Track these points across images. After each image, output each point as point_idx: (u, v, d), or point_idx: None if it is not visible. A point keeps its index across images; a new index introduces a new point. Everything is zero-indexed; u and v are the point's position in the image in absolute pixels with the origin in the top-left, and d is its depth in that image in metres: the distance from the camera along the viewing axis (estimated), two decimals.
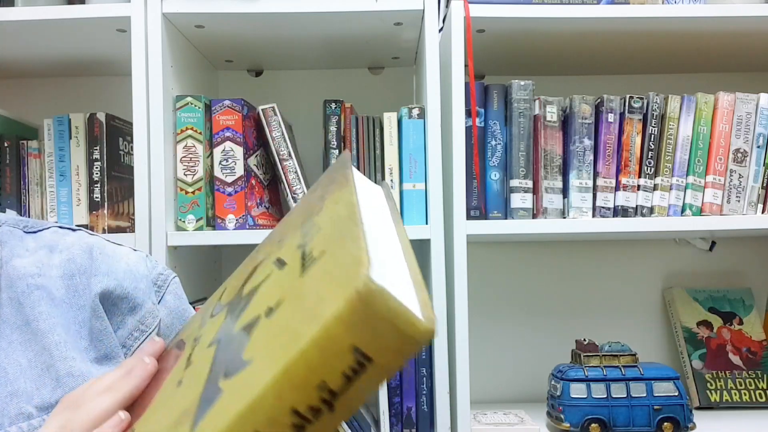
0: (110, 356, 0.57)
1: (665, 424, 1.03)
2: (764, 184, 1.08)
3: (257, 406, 0.25)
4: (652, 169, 1.07)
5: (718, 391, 1.22)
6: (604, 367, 1.06)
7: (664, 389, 1.04)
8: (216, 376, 0.30)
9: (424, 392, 1.04)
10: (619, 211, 1.06)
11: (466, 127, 1.03)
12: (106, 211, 1.06)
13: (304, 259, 0.30)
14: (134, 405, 0.44)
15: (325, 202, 0.34)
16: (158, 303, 0.63)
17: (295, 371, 0.24)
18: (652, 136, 1.07)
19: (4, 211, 1.05)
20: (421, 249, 1.12)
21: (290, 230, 0.38)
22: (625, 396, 1.04)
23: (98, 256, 0.60)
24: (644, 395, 1.04)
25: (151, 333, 0.62)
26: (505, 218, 1.05)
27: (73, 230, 0.62)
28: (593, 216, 1.06)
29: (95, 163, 1.07)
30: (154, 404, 0.38)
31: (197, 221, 1.03)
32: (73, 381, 0.54)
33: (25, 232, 0.61)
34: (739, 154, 1.08)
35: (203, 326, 0.41)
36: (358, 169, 1.08)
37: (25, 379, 0.53)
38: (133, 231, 1.00)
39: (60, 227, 0.62)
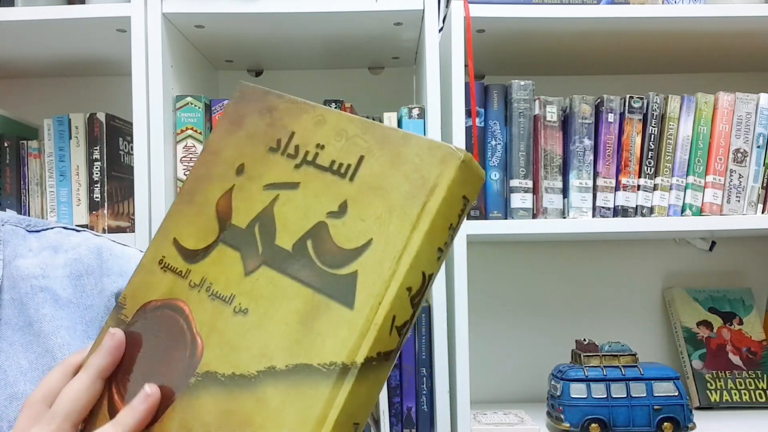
0: None
1: (665, 424, 1.03)
2: (764, 184, 1.08)
3: (420, 255, 0.34)
4: (652, 169, 1.07)
5: (718, 391, 1.22)
6: (604, 367, 1.06)
7: (664, 389, 1.04)
8: (319, 275, 0.36)
9: (424, 392, 1.04)
10: (619, 211, 1.06)
11: (466, 127, 1.03)
12: (106, 211, 1.06)
13: (339, 170, 0.38)
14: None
15: (294, 124, 0.40)
16: None
17: (438, 222, 0.35)
18: (652, 136, 1.07)
19: (5, 211, 1.05)
20: None
21: (252, 162, 0.40)
22: (625, 396, 1.04)
23: (108, 257, 0.60)
24: (644, 395, 1.04)
25: None
26: (505, 218, 1.05)
27: (78, 231, 0.62)
28: (593, 216, 1.06)
29: (95, 163, 1.07)
30: (216, 343, 0.37)
31: None
32: None
33: (27, 231, 0.61)
34: (739, 154, 1.08)
35: (196, 273, 0.40)
36: None
37: (25, 382, 0.52)
38: (133, 231, 1.00)
39: (64, 227, 0.62)
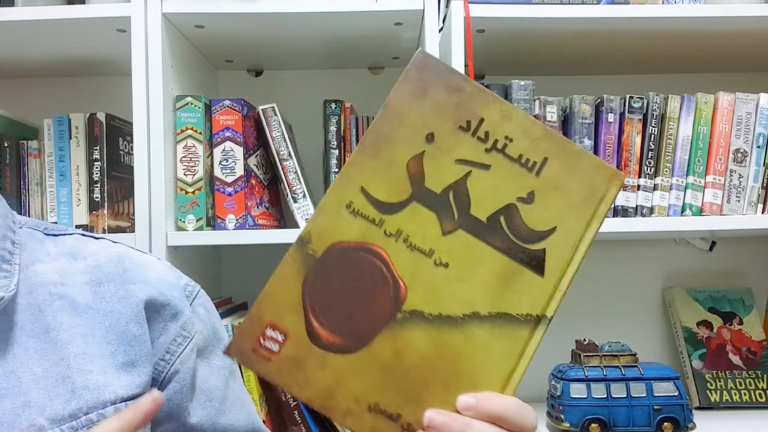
0: (136, 363, 0.57)
1: (665, 424, 1.03)
2: (764, 184, 1.08)
3: (589, 246, 0.46)
4: (652, 169, 1.07)
5: (718, 391, 1.22)
6: (604, 367, 1.06)
7: (664, 389, 1.04)
8: (513, 246, 0.46)
9: None
10: (619, 211, 1.06)
11: None
12: (106, 211, 1.06)
13: (526, 164, 0.46)
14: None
15: (495, 113, 0.47)
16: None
17: (603, 218, 0.46)
18: (652, 136, 1.07)
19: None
20: None
21: (441, 134, 0.47)
22: (625, 396, 1.04)
23: (131, 265, 0.60)
24: (644, 395, 1.04)
25: (192, 339, 0.62)
26: None
27: (96, 238, 0.62)
28: None
29: (95, 163, 1.07)
30: (419, 288, 0.45)
31: (197, 221, 1.03)
32: (88, 394, 0.53)
33: (45, 234, 0.60)
34: (739, 154, 1.08)
35: (390, 223, 0.46)
36: None
37: (38, 390, 0.52)
38: (133, 231, 1.00)
39: (82, 234, 0.62)
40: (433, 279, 0.45)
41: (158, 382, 0.60)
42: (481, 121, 0.47)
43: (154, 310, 0.60)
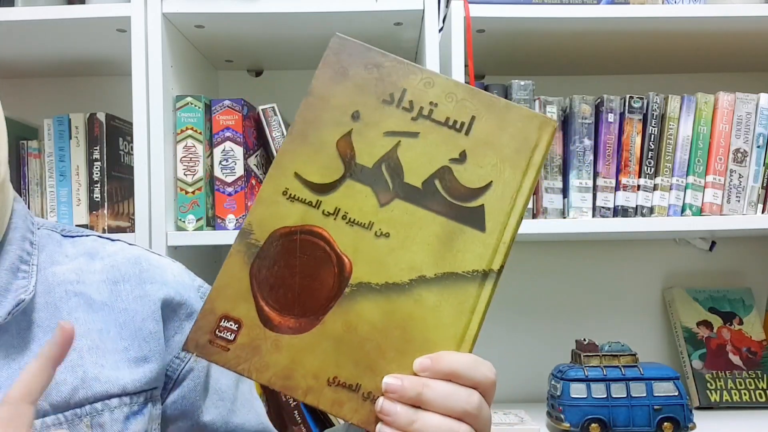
0: (148, 359, 0.58)
1: (665, 424, 1.03)
2: (764, 184, 1.08)
3: (528, 195, 0.47)
4: (652, 169, 1.07)
5: (718, 391, 1.22)
6: (604, 367, 1.06)
7: (664, 389, 1.04)
8: (450, 207, 0.47)
9: None
10: (619, 211, 1.06)
11: None
12: (106, 211, 1.06)
13: (454, 126, 0.47)
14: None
15: (408, 81, 0.48)
16: None
17: (538, 172, 0.47)
18: (652, 136, 1.07)
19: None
20: None
21: (366, 110, 0.48)
22: (625, 396, 1.04)
23: (147, 266, 0.62)
24: (644, 395, 1.04)
25: None
26: None
27: (113, 240, 0.64)
28: (593, 216, 1.06)
29: (95, 163, 1.07)
30: (363, 261, 0.46)
31: (197, 221, 1.03)
32: (98, 385, 0.54)
33: (63, 235, 0.61)
34: (739, 154, 1.08)
35: (328, 203, 0.47)
36: None
37: None
38: (133, 231, 1.00)
39: (99, 236, 0.64)
40: (375, 250, 0.46)
41: (173, 380, 0.61)
42: (404, 91, 0.48)
43: (171, 310, 0.61)
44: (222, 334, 0.45)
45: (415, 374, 0.44)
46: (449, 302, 0.46)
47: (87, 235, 0.63)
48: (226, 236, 1.02)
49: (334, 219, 0.47)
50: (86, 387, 0.54)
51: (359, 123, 0.48)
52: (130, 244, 0.64)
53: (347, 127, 0.47)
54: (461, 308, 0.46)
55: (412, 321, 0.46)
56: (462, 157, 0.47)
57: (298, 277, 0.46)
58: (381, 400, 0.44)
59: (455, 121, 0.47)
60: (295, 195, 0.47)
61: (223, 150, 1.05)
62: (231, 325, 0.46)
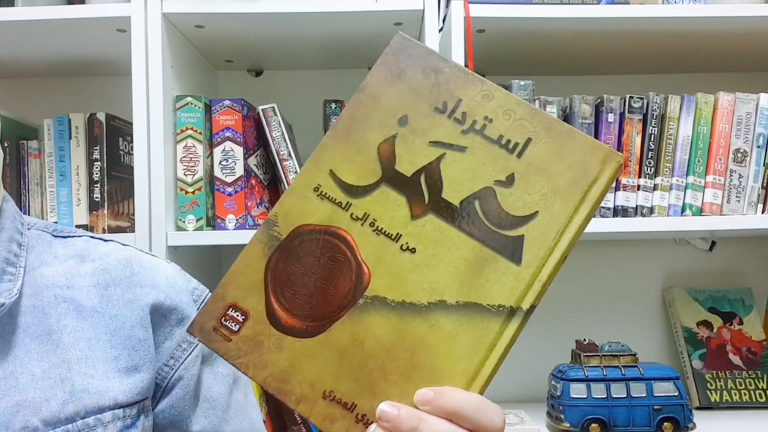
0: (139, 368, 0.56)
1: (665, 424, 1.03)
2: (764, 184, 1.08)
3: (578, 233, 0.43)
4: (652, 169, 1.07)
5: (718, 391, 1.22)
6: (604, 367, 1.06)
7: (664, 389, 1.04)
8: (487, 232, 0.43)
9: None
10: (619, 211, 1.06)
11: None
12: (106, 211, 1.06)
13: (507, 145, 0.44)
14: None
15: (468, 96, 0.45)
16: None
17: (593, 209, 0.43)
18: (652, 136, 1.07)
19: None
20: None
21: (415, 116, 0.45)
22: (625, 396, 1.04)
23: (139, 269, 0.59)
24: (644, 395, 1.04)
25: (198, 345, 0.61)
26: None
27: (105, 241, 0.62)
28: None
29: (95, 163, 1.07)
30: (383, 273, 0.44)
31: (197, 221, 1.03)
32: (88, 398, 0.53)
33: (54, 236, 0.60)
34: (739, 154, 1.08)
35: (358, 207, 0.45)
36: None
37: (35, 390, 0.51)
38: (133, 231, 1.00)
39: (92, 237, 0.61)
40: (398, 264, 0.44)
41: (161, 388, 0.59)
42: (459, 101, 0.45)
43: (161, 315, 0.59)
44: (227, 323, 0.44)
45: (416, 405, 0.41)
46: (467, 334, 0.42)
47: (79, 236, 0.61)
48: (226, 236, 1.02)
49: (362, 224, 0.44)
50: (76, 400, 0.52)
51: (405, 128, 0.45)
52: (123, 244, 0.62)
53: (392, 131, 0.45)
54: (479, 343, 0.42)
55: (423, 346, 0.43)
56: (509, 181, 0.44)
57: (313, 278, 0.44)
58: (373, 427, 0.41)
59: (509, 141, 0.44)
60: (325, 193, 0.45)
61: (223, 150, 1.05)
62: (238, 315, 0.44)
